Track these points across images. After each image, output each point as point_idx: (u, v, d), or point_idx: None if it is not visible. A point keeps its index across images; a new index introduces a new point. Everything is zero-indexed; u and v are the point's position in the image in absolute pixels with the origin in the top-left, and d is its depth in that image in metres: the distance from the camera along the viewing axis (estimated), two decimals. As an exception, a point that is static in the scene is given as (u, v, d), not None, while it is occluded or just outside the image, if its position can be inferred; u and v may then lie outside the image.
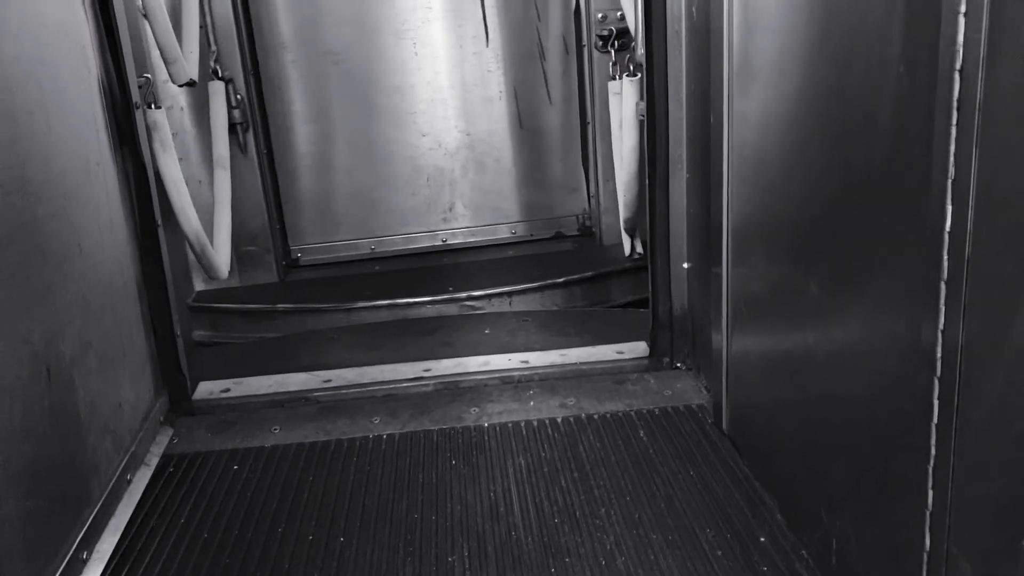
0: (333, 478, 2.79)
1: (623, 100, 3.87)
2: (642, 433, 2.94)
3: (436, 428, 3.06)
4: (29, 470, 2.09)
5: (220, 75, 4.42)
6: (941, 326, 1.54)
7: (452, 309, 4.39)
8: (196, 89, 4.24)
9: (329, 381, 3.43)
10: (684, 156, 3.14)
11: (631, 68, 3.74)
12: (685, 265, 3.28)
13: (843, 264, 1.96)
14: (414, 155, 4.96)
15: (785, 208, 2.29)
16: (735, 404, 2.82)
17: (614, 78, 4.16)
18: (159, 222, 3.05)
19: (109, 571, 2.36)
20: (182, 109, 4.52)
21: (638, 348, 3.51)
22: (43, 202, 2.29)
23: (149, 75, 3.09)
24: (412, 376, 3.44)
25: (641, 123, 3.37)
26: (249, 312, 4.50)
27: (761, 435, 2.62)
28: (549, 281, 4.51)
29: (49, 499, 2.19)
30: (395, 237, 5.08)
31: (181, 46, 3.80)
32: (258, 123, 4.70)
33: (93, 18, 2.77)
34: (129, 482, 2.72)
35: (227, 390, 3.38)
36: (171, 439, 3.07)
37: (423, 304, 4.39)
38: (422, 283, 4.57)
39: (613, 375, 3.39)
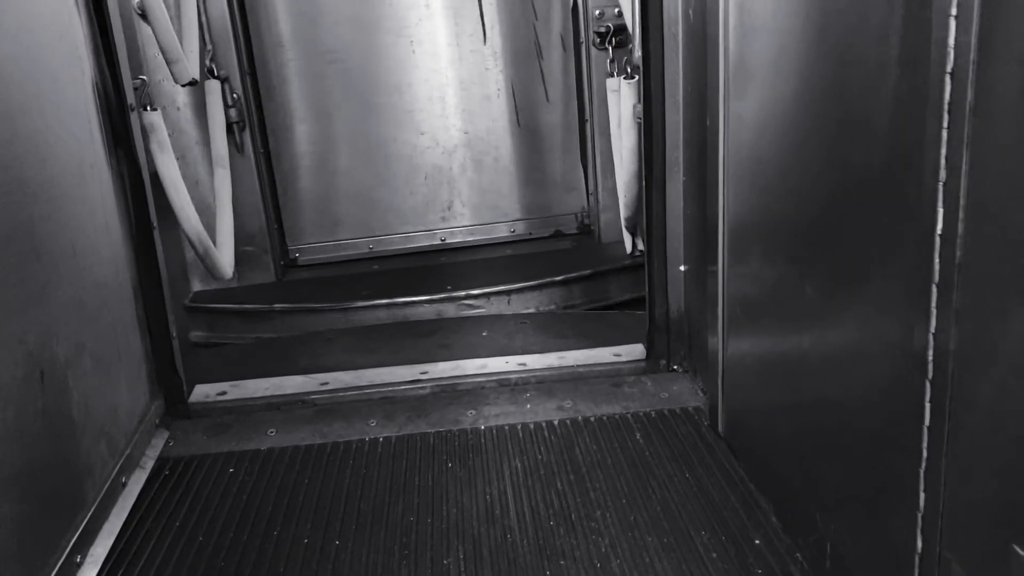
0: (329, 481, 2.79)
1: (621, 102, 3.87)
2: (638, 436, 2.94)
3: (433, 431, 3.06)
4: (22, 473, 2.08)
5: (216, 74, 4.41)
6: (933, 329, 1.54)
7: (451, 308, 4.38)
8: (193, 88, 4.23)
9: (326, 384, 3.43)
10: (681, 158, 3.14)
11: (628, 71, 3.74)
12: (682, 267, 3.27)
13: (838, 267, 1.96)
14: (412, 154, 4.95)
15: (781, 210, 2.29)
16: (731, 407, 2.82)
17: (612, 75, 4.16)
18: (154, 224, 3.04)
19: (103, 575, 2.36)
20: (179, 109, 4.51)
21: (635, 351, 3.51)
22: (38, 204, 2.29)
23: (144, 77, 3.08)
24: (409, 379, 3.44)
25: (639, 125, 3.36)
26: (246, 312, 4.49)
27: (757, 438, 2.62)
28: (548, 280, 4.50)
29: (43, 502, 2.18)
30: (393, 236, 5.06)
31: (183, 44, 3.80)
32: (255, 122, 4.69)
33: (87, 20, 2.77)
34: (124, 485, 2.71)
35: (223, 393, 3.38)
36: (167, 442, 3.06)
37: (421, 303, 4.38)
38: (421, 282, 4.57)
39: (610, 378, 3.39)
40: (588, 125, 4.89)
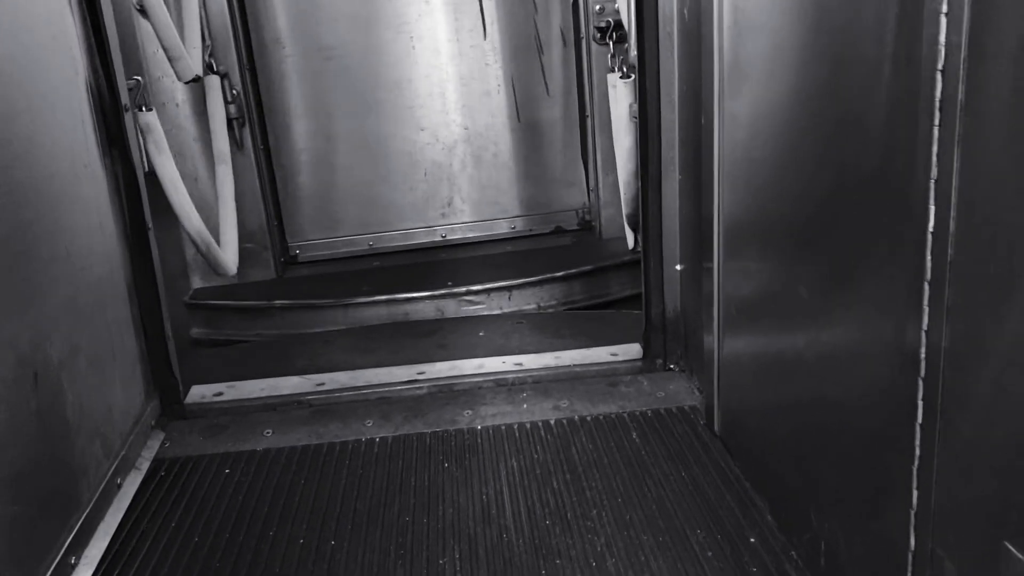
0: (325, 481, 2.79)
1: (617, 101, 3.86)
2: (635, 435, 2.94)
3: (429, 431, 3.06)
4: (16, 474, 2.08)
5: (215, 69, 4.41)
6: (925, 327, 1.54)
7: (451, 304, 4.38)
8: (192, 85, 4.22)
9: (322, 384, 3.43)
10: (676, 157, 3.13)
11: (624, 70, 3.74)
12: (678, 267, 3.27)
13: (832, 265, 1.96)
14: (412, 150, 4.95)
15: (775, 209, 2.28)
16: (727, 406, 2.82)
17: (613, 70, 4.16)
18: (149, 225, 3.04)
19: (98, 576, 2.36)
20: (177, 105, 4.51)
21: (631, 350, 3.51)
22: (30, 205, 2.29)
23: (139, 78, 3.08)
24: (406, 379, 3.44)
25: (635, 124, 3.36)
26: (247, 309, 4.49)
27: (752, 437, 2.62)
28: (548, 276, 4.50)
29: (37, 504, 2.18)
30: (393, 233, 5.05)
31: (185, 41, 3.81)
32: (255, 119, 4.69)
33: (81, 20, 2.77)
34: (119, 486, 2.71)
35: (220, 394, 3.38)
36: (162, 443, 3.06)
37: (422, 300, 4.38)
38: (421, 279, 4.57)
39: (607, 377, 3.38)
40: (589, 121, 4.89)
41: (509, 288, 4.43)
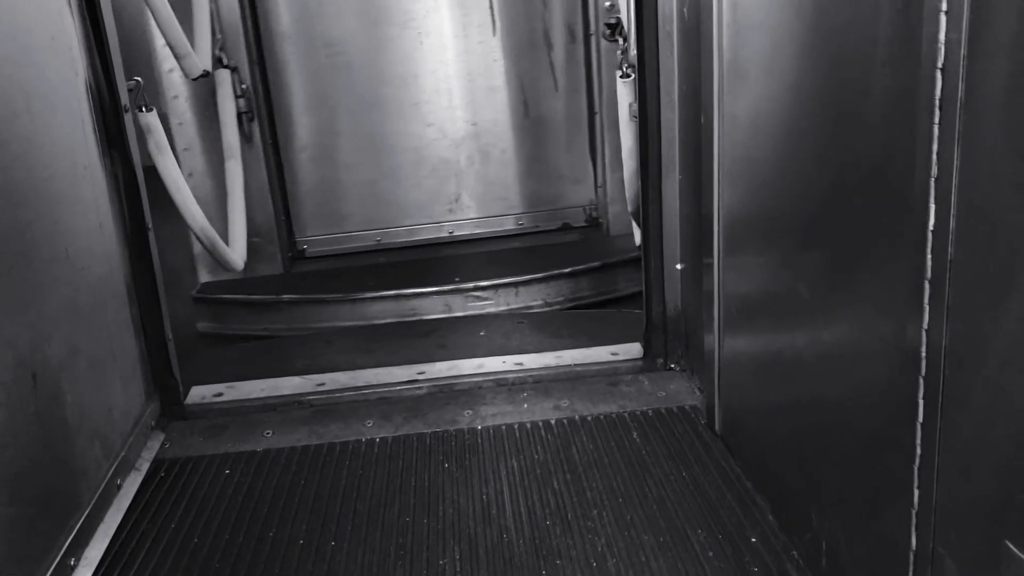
0: (325, 482, 2.78)
1: (619, 100, 3.86)
2: (635, 434, 2.93)
3: (429, 431, 3.05)
4: (16, 475, 2.08)
5: (225, 63, 4.41)
6: (925, 325, 1.53)
7: (458, 300, 4.38)
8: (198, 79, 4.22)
9: (322, 385, 3.42)
10: (676, 156, 3.13)
11: (624, 69, 3.73)
12: (679, 266, 3.27)
13: (832, 264, 1.95)
14: (419, 146, 4.95)
15: (775, 208, 2.28)
16: (727, 405, 2.81)
17: (621, 67, 4.16)
18: (149, 225, 3.04)
19: (98, 577, 2.36)
20: (185, 99, 4.51)
21: (632, 350, 3.50)
22: (30, 206, 2.29)
23: (139, 79, 3.08)
24: (406, 379, 3.43)
25: (636, 123, 3.36)
26: (254, 303, 4.50)
27: (753, 436, 2.62)
28: (556, 272, 4.51)
29: (36, 505, 2.18)
30: (400, 229, 5.06)
31: (193, 36, 3.82)
32: (263, 113, 4.70)
33: (81, 21, 2.76)
34: (119, 487, 2.71)
35: (220, 394, 3.37)
36: (162, 444, 3.06)
37: (429, 295, 4.38)
38: (428, 274, 4.58)
39: (607, 377, 3.38)
40: (597, 117, 4.89)
41: (516, 284, 4.44)
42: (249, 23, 4.59)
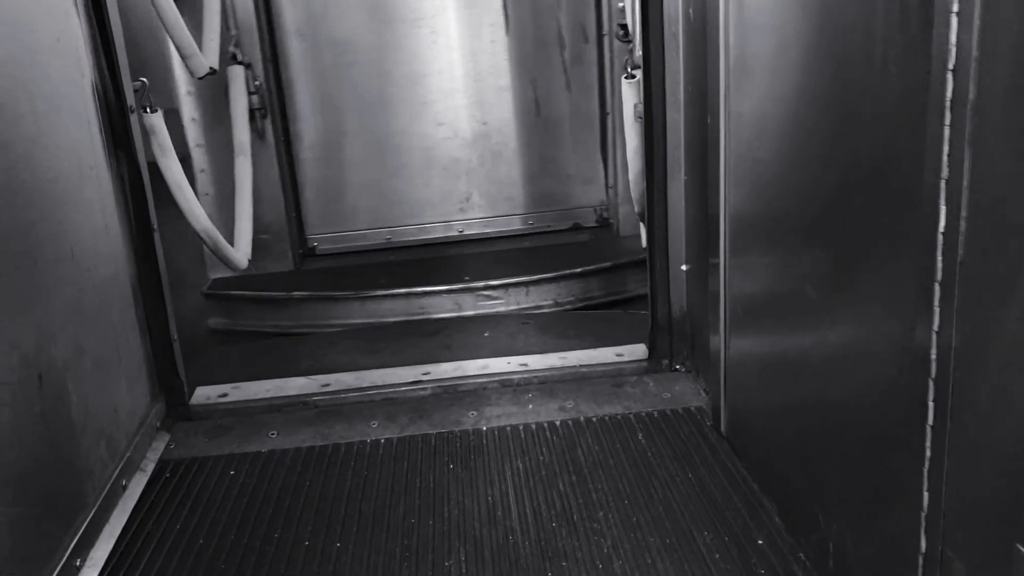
0: (330, 483, 2.78)
1: (623, 101, 3.86)
2: (640, 436, 2.93)
3: (434, 432, 3.05)
4: (22, 476, 2.08)
5: (239, 60, 4.41)
6: (936, 327, 1.53)
7: (468, 299, 4.38)
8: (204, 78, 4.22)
9: (327, 385, 3.42)
10: (682, 157, 3.13)
11: (628, 70, 3.73)
12: (684, 267, 3.26)
13: (839, 265, 1.95)
14: (430, 145, 4.95)
15: (782, 209, 2.28)
16: (733, 406, 2.81)
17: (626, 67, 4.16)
18: (155, 226, 3.04)
19: (104, 578, 2.36)
20: (198, 95, 4.53)
21: (637, 351, 3.50)
22: (34, 206, 2.28)
23: (145, 79, 3.07)
24: (411, 380, 3.43)
25: (641, 124, 3.35)
26: (265, 300, 4.51)
27: (759, 438, 2.61)
28: (567, 272, 4.51)
29: (43, 505, 2.18)
30: (411, 227, 5.06)
31: (202, 34, 3.82)
32: (275, 110, 4.71)
33: (87, 22, 2.76)
34: (124, 488, 2.71)
35: (224, 395, 3.37)
36: (168, 444, 3.06)
37: (440, 294, 4.38)
38: (439, 273, 4.58)
39: (612, 378, 3.38)
40: (609, 118, 4.89)
41: (527, 284, 4.44)
42: (263, 20, 4.60)
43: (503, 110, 4.95)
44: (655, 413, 3.08)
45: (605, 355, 3.51)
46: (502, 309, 4.38)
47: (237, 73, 4.40)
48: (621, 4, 4.37)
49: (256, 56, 4.54)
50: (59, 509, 2.29)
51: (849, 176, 1.86)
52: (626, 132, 3.91)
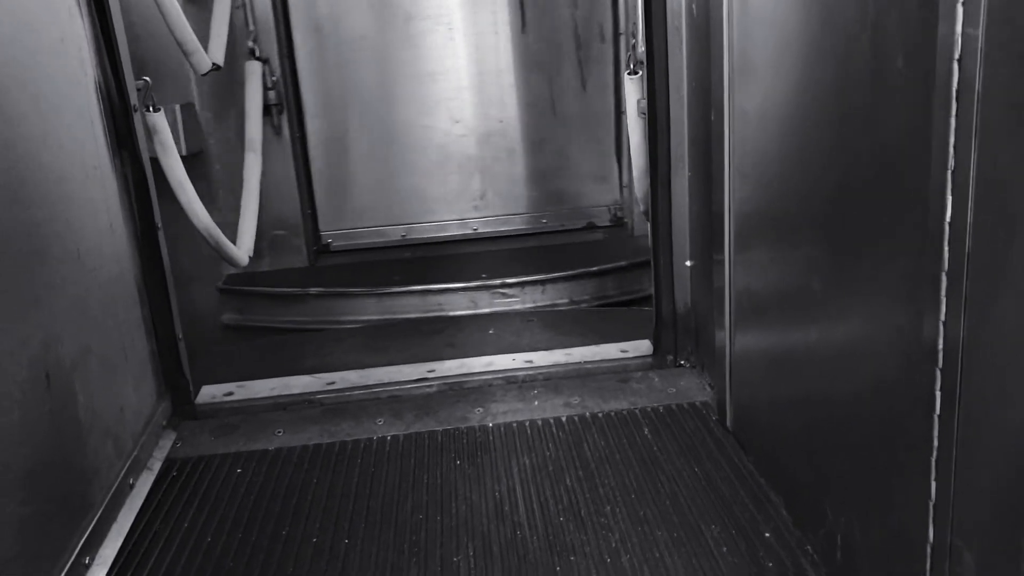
0: (337, 480, 2.78)
1: (627, 98, 3.86)
2: (646, 431, 2.93)
3: (440, 429, 3.05)
4: (30, 475, 2.08)
5: (257, 55, 4.42)
6: (943, 318, 1.53)
7: (484, 297, 4.39)
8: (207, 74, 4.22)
9: (333, 383, 3.42)
10: (686, 154, 3.13)
11: (631, 66, 3.73)
12: (688, 263, 3.26)
13: (845, 258, 1.95)
14: (446, 142, 4.96)
15: (786, 204, 2.28)
16: (739, 401, 2.81)
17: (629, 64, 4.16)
18: (159, 225, 3.04)
19: (112, 576, 2.36)
20: (210, 91, 4.55)
21: (642, 346, 3.50)
22: (39, 206, 2.29)
23: (147, 78, 3.08)
24: (416, 377, 3.43)
25: (644, 120, 3.36)
26: (280, 296, 4.53)
27: (765, 431, 2.61)
28: (583, 270, 4.52)
29: (50, 504, 2.18)
30: (426, 224, 5.08)
31: (211, 29, 3.83)
32: (291, 106, 4.72)
33: (90, 22, 2.76)
34: (132, 487, 2.71)
35: (230, 393, 3.37)
36: (174, 443, 3.06)
37: (456, 291, 4.39)
38: (454, 270, 4.60)
39: (617, 373, 3.38)
40: (624, 117, 4.89)
41: (543, 282, 4.45)
42: (280, 15, 4.62)
43: (519, 108, 4.96)
44: (661, 408, 3.08)
45: (610, 351, 3.52)
46: (518, 307, 4.38)
47: (254, 69, 4.42)
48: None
49: (272, 52, 4.55)
50: (67, 508, 2.29)
51: (854, 168, 1.86)
52: (629, 128, 3.91)
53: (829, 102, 1.97)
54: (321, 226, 4.99)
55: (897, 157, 1.67)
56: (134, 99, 2.94)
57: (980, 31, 1.37)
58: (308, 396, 3.34)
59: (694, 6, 2.87)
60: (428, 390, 3.36)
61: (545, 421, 3.04)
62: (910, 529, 1.71)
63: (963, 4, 1.40)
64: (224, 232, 3.69)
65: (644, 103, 3.28)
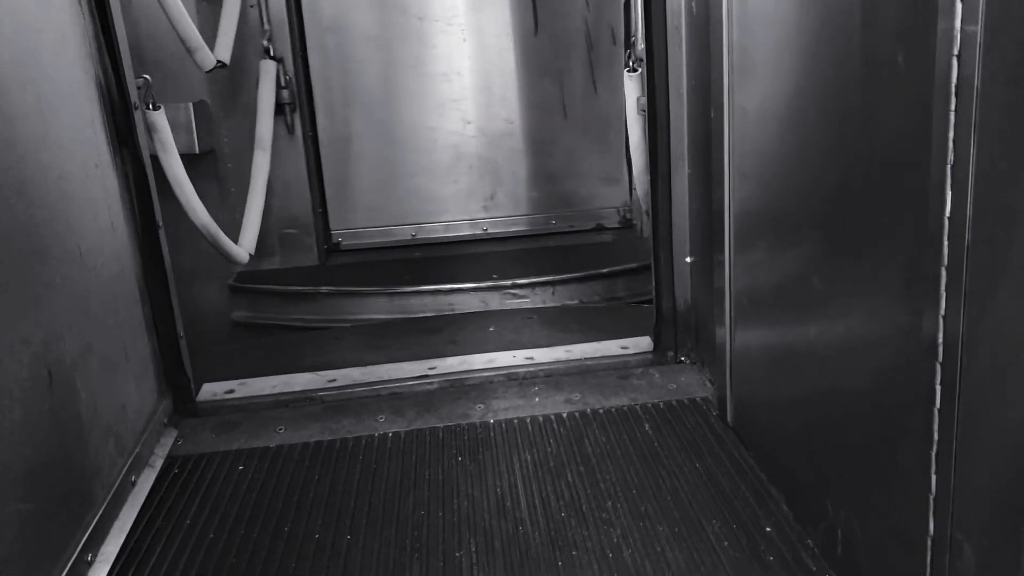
0: (339, 477, 2.79)
1: (626, 95, 3.87)
2: (647, 427, 2.94)
3: (442, 425, 3.06)
4: (31, 473, 2.08)
5: (272, 54, 4.43)
6: (943, 312, 1.54)
7: (495, 297, 4.40)
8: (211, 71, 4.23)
9: (334, 380, 3.43)
10: (686, 151, 3.13)
11: (631, 64, 3.74)
12: (688, 259, 3.27)
13: (845, 254, 1.95)
14: (457, 143, 4.98)
15: (786, 200, 2.28)
16: (739, 397, 2.81)
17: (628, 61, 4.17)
18: (160, 223, 3.04)
19: (114, 574, 2.35)
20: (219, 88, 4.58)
21: (642, 343, 3.51)
22: (41, 205, 2.29)
23: (148, 76, 3.08)
24: (417, 374, 3.44)
25: (644, 118, 3.36)
26: (290, 294, 4.54)
27: (766, 427, 2.62)
28: (593, 272, 4.54)
29: (52, 502, 2.18)
30: (436, 224, 5.10)
31: (219, 27, 3.84)
32: (304, 105, 4.73)
33: (91, 20, 2.76)
34: (133, 484, 2.71)
35: (231, 391, 3.38)
36: (175, 440, 3.06)
37: (467, 291, 4.40)
38: (464, 271, 4.62)
39: (618, 370, 3.39)
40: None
41: (553, 283, 4.46)
42: (294, 14, 4.64)
43: (529, 109, 4.98)
44: (661, 404, 3.09)
45: (610, 348, 3.53)
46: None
47: (268, 68, 4.43)
48: None
49: (287, 51, 4.57)
50: (69, 505, 2.29)
51: (854, 165, 1.87)
52: (628, 126, 3.92)
53: (828, 99, 1.97)
54: (332, 225, 5.00)
55: (897, 153, 1.67)
56: (134, 97, 2.95)
57: (979, 27, 1.38)
58: (309, 393, 3.34)
59: (694, 4, 2.88)
60: (429, 387, 3.36)
61: (546, 417, 3.05)
62: (910, 523, 1.72)
63: (962, 0, 1.41)
64: (234, 231, 3.70)
65: (644, 101, 3.29)
